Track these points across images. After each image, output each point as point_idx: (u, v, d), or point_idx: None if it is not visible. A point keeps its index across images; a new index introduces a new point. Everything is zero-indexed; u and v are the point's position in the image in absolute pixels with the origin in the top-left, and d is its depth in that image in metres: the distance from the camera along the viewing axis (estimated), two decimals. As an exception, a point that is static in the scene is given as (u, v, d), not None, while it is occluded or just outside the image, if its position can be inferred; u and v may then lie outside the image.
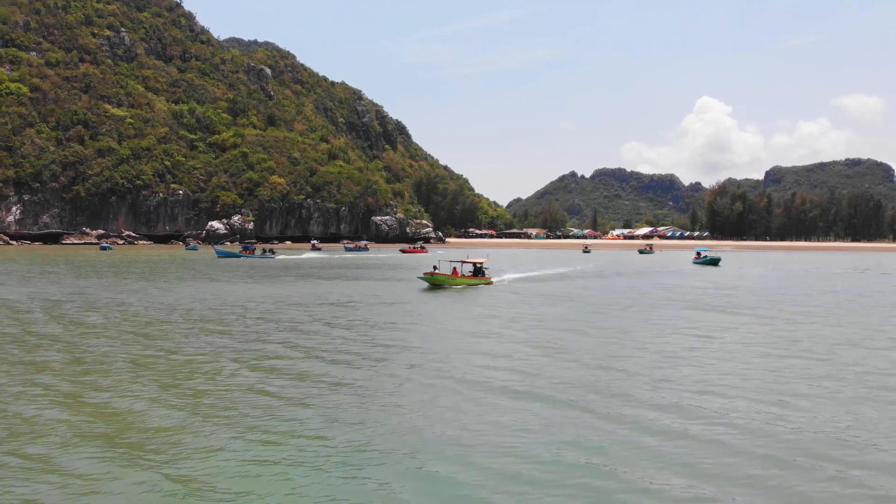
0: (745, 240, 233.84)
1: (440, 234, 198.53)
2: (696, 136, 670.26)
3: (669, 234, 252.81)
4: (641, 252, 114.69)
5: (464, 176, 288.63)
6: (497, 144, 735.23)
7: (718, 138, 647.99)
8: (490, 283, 44.67)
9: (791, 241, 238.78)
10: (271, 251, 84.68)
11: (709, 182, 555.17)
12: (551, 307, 32.42)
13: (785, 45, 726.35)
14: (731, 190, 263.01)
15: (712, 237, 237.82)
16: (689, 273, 62.51)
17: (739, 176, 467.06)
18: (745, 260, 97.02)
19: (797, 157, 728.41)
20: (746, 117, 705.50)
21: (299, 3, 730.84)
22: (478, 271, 44.91)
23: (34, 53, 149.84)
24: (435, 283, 41.19)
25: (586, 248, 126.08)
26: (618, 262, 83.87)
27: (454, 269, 44.04)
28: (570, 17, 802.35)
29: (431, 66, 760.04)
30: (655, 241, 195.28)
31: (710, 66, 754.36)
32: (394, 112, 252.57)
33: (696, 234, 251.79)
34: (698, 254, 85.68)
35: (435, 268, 43.00)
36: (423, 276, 41.89)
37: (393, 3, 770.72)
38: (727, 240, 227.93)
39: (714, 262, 78.38)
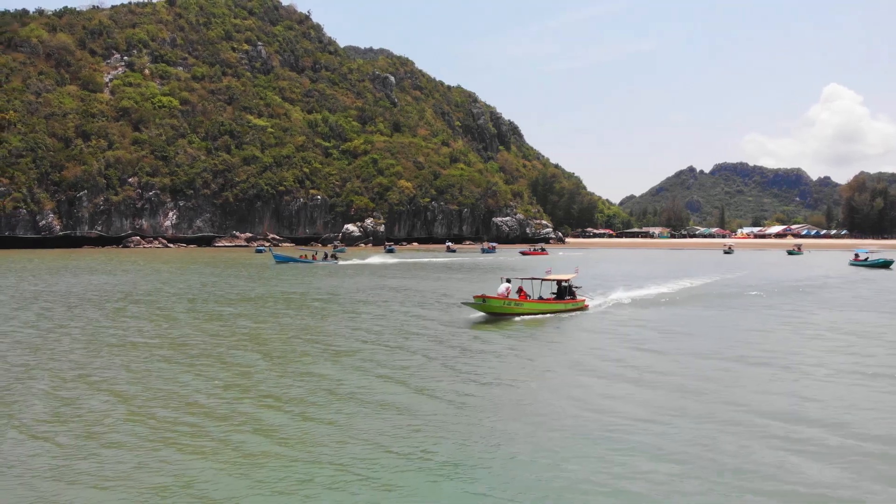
0: (886, 238, 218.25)
1: (559, 234, 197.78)
2: (824, 126, 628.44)
3: (804, 232, 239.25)
4: (790, 253, 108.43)
5: (576, 174, 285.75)
6: (604, 140, 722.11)
7: (848, 128, 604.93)
8: (584, 308, 31.78)
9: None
10: (333, 256, 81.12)
11: (839, 176, 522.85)
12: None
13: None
14: (870, 185, 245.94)
15: (850, 235, 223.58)
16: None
17: (872, 169, 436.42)
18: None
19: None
20: (879, 105, 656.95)
21: (398, 6, 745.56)
22: (563, 291, 31.80)
23: (181, 68, 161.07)
24: (490, 311, 28.45)
25: (728, 248, 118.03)
26: (775, 266, 77.95)
27: (520, 288, 31.40)
28: (677, 5, 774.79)
29: (530, 61, 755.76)
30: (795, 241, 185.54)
31: (837, 52, 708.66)
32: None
33: (833, 232, 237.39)
34: (856, 255, 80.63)
35: (508, 281, 30.18)
36: (471, 300, 28.86)
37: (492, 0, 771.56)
38: (867, 238, 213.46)
39: (886, 264, 73.31)
